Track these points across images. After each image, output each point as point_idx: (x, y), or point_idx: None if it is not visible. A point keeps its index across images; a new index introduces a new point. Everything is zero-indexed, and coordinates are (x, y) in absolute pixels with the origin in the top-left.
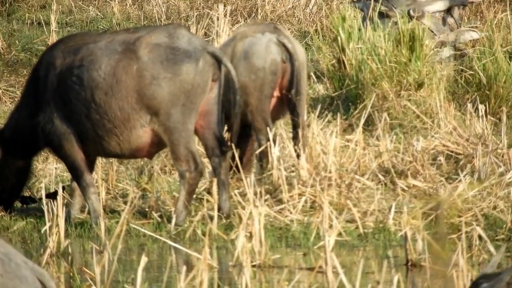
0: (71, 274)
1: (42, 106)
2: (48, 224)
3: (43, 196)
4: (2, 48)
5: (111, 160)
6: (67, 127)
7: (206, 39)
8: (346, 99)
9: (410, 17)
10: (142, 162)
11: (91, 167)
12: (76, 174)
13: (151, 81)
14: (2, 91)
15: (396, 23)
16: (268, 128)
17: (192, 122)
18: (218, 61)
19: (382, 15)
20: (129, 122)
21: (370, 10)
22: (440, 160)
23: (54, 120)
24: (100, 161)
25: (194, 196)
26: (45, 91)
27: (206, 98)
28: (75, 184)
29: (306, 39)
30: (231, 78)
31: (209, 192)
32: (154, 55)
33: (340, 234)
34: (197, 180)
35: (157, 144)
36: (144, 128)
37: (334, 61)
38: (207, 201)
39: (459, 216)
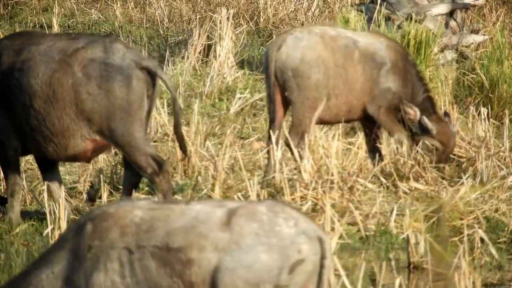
0: None
1: None
2: (50, 227)
3: (45, 199)
4: None
5: (113, 163)
6: (8, 124)
7: (208, 42)
8: None
9: (412, 20)
10: None
11: (53, 165)
12: (9, 170)
13: (87, 97)
14: None
15: (399, 26)
16: (271, 131)
17: (138, 130)
18: (153, 75)
19: (384, 18)
20: (68, 131)
21: (375, 13)
22: None
23: None
24: (103, 164)
25: (196, 198)
26: None
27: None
28: (52, 187)
29: None
30: (167, 89)
31: (210, 197)
32: (88, 71)
33: (342, 237)
34: (167, 178)
35: (95, 152)
36: (84, 138)
37: None
38: None
39: (461, 219)
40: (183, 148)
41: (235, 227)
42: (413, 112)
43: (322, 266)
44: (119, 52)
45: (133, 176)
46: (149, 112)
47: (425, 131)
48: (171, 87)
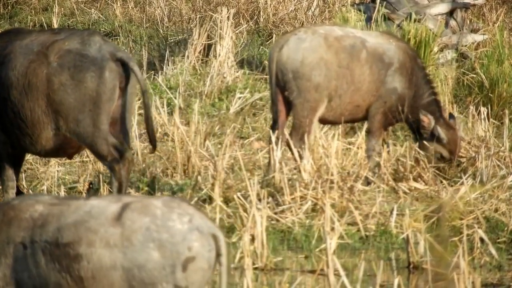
0: None
1: None
2: None
3: None
4: None
5: None
6: None
7: (208, 42)
8: None
9: (411, 20)
10: (144, 165)
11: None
12: (1, 165)
13: (59, 87)
14: None
15: (399, 25)
16: (271, 131)
17: (104, 122)
18: (127, 67)
19: (384, 18)
20: (39, 124)
21: (375, 13)
22: None
23: None
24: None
25: (196, 198)
26: None
27: (117, 105)
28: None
29: None
30: (138, 81)
31: (210, 197)
32: (63, 61)
33: (341, 237)
34: (127, 167)
35: (73, 147)
36: (55, 131)
37: None
38: (209, 203)
39: (461, 219)
40: (153, 142)
41: (126, 221)
42: (427, 120)
43: (219, 263)
44: (95, 44)
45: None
46: (127, 110)
47: (435, 139)
48: (141, 79)
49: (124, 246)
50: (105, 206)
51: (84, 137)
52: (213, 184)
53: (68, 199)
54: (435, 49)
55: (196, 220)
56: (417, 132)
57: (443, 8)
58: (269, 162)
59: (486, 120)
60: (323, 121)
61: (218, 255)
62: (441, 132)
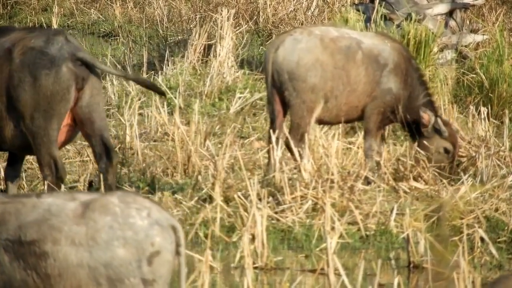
0: None
1: None
2: None
3: None
4: None
5: None
6: None
7: (208, 42)
8: None
9: (411, 20)
10: (144, 165)
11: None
12: None
13: (18, 83)
14: None
15: (398, 25)
16: (271, 131)
17: (54, 128)
18: (90, 68)
19: (383, 18)
20: (3, 120)
21: (374, 13)
22: None
23: None
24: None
25: (196, 198)
26: None
27: (79, 106)
28: (9, 184)
29: None
30: (117, 76)
31: (210, 196)
32: (25, 58)
33: (342, 236)
34: (55, 185)
35: None
36: (18, 128)
37: None
38: (210, 203)
39: (461, 218)
40: (158, 89)
41: (89, 221)
42: (427, 117)
43: (178, 253)
44: (58, 44)
45: (109, 166)
46: (97, 109)
47: (437, 133)
48: (116, 73)
49: (89, 246)
50: (63, 204)
51: (34, 136)
52: (213, 184)
53: (18, 197)
54: (435, 49)
55: (154, 214)
56: (416, 131)
57: (443, 8)
58: (269, 162)
59: (486, 120)
60: (319, 121)
61: (177, 245)
62: (442, 125)
